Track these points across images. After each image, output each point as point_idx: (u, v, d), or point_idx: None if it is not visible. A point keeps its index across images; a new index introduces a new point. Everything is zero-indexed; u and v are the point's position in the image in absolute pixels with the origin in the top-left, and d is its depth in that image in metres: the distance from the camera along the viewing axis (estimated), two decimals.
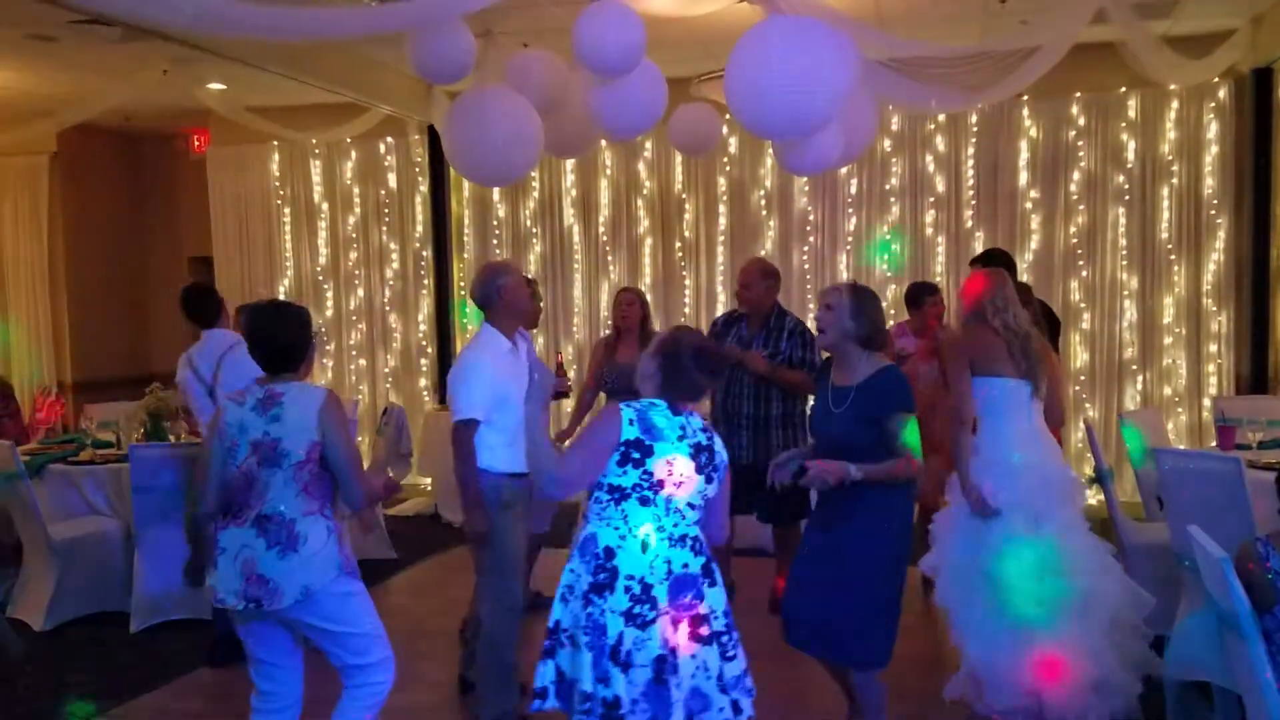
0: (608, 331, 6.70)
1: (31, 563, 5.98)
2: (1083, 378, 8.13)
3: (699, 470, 3.06)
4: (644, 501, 3.01)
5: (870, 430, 3.68)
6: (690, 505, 3.07)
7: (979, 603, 4.17)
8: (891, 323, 6.45)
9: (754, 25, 4.45)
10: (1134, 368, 8.08)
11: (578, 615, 3.01)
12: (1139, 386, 8.07)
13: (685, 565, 3.03)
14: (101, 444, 6.54)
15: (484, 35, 6.20)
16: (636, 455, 3.00)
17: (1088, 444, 6.02)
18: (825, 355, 4.14)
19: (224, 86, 8.07)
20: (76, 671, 5.16)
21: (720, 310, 8.65)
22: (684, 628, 2.98)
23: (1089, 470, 6.64)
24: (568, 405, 6.99)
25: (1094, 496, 6.67)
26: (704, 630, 3.02)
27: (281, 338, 3.36)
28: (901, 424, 3.69)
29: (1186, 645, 3.85)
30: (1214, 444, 5.84)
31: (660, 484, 3.01)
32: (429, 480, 8.78)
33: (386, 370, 9.54)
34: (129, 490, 5.67)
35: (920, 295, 6.23)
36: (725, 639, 3.08)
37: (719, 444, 3.17)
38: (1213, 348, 7.94)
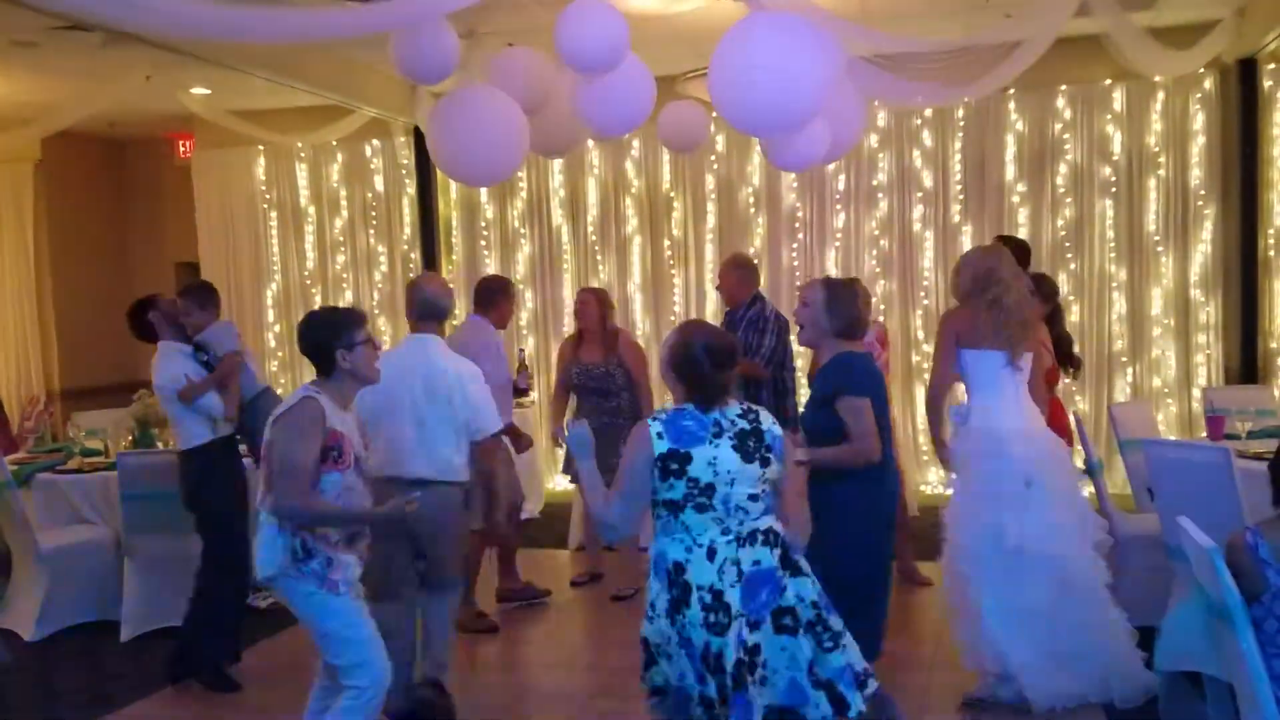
0: (569, 332, 6.78)
1: (20, 572, 5.94)
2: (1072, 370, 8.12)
3: (749, 459, 2.96)
4: (700, 509, 2.94)
5: (823, 414, 3.69)
6: (752, 498, 2.97)
7: (977, 585, 4.20)
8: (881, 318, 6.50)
9: (737, 22, 4.44)
10: (1123, 360, 8.09)
11: (665, 632, 2.98)
12: (1128, 378, 8.08)
13: (757, 562, 2.95)
14: (90, 452, 6.51)
15: (468, 35, 6.18)
16: (675, 466, 2.93)
17: (1078, 436, 6.02)
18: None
19: (208, 91, 8.04)
20: (67, 681, 5.14)
21: (710, 307, 8.68)
22: (766, 626, 2.92)
23: (1080, 463, 6.65)
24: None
25: (1084, 489, 6.68)
26: (788, 622, 2.94)
27: (301, 345, 3.54)
28: (851, 408, 3.68)
29: (1177, 635, 3.85)
30: (1204, 434, 5.85)
31: (711, 488, 2.94)
32: None
33: None
34: (118, 498, 5.64)
35: None
36: (819, 629, 2.99)
37: (767, 421, 3.06)
38: (1201, 338, 7.95)
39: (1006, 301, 4.22)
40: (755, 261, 6.39)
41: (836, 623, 3.04)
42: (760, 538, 2.98)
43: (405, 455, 4.21)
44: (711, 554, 2.94)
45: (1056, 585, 4.11)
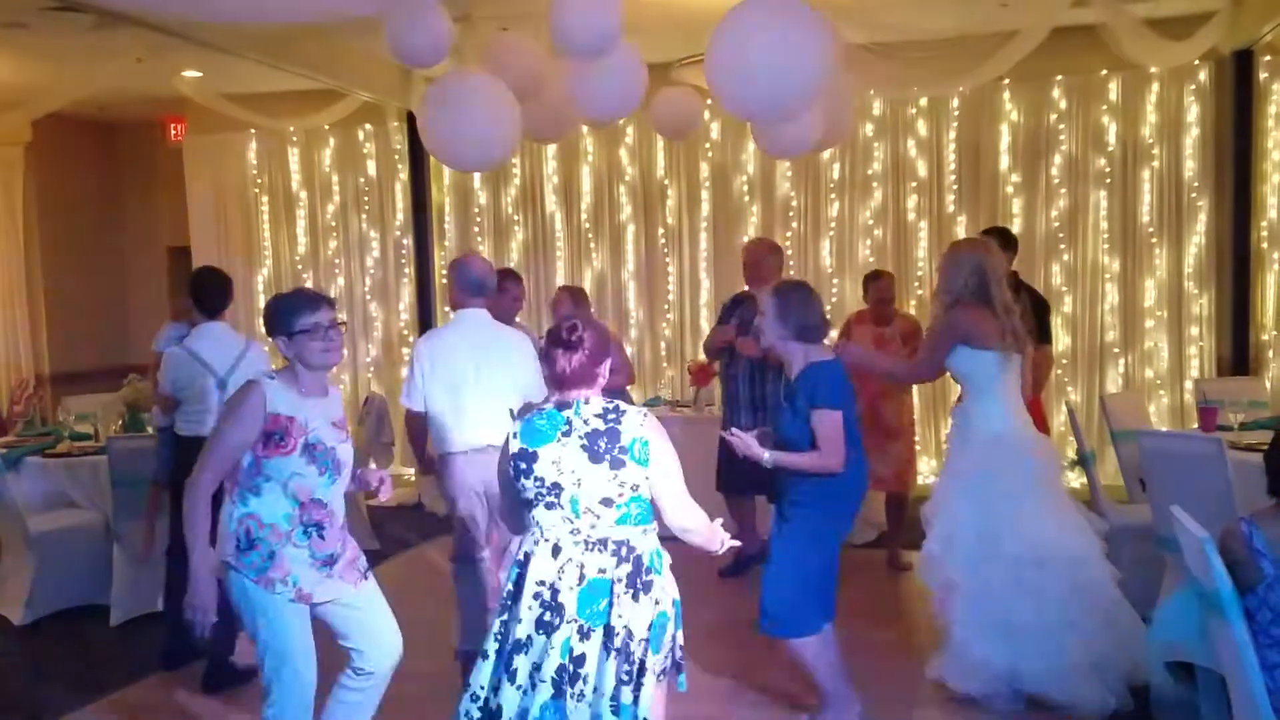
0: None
1: (10, 556, 5.93)
2: (1065, 361, 8.14)
3: (596, 459, 2.86)
4: (550, 507, 2.90)
5: (800, 423, 3.76)
6: (605, 502, 2.88)
7: (968, 586, 4.20)
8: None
9: (733, 8, 4.42)
10: (1116, 351, 8.09)
11: (495, 621, 2.98)
12: (1121, 369, 8.09)
13: (602, 570, 2.87)
14: (79, 436, 6.48)
15: (462, 20, 6.15)
16: (524, 465, 2.91)
17: (1070, 427, 6.03)
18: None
19: (200, 74, 7.98)
20: (55, 666, 5.12)
21: (704, 296, 8.67)
22: (596, 637, 2.84)
23: (1071, 453, 6.65)
24: None
25: (1076, 479, 6.69)
26: (613, 644, 2.84)
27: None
28: (823, 420, 3.76)
29: (1169, 626, 3.86)
30: (1196, 425, 5.86)
31: (558, 487, 2.88)
32: (411, 470, 8.74)
33: (368, 360, 9.48)
34: (107, 482, 5.62)
35: (867, 283, 6.40)
36: (628, 662, 2.85)
37: (631, 423, 2.91)
38: (1194, 330, 7.96)
39: (1006, 300, 4.22)
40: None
41: (650, 661, 2.89)
42: (611, 547, 2.89)
43: (483, 425, 4.38)
44: (556, 551, 2.90)
45: (1078, 593, 4.09)
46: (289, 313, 3.29)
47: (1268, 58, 7.57)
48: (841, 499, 3.96)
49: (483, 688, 2.91)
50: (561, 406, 2.96)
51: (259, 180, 9.58)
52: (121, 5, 5.12)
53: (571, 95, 5.27)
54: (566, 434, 2.91)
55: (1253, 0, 6.96)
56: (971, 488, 4.22)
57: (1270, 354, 7.76)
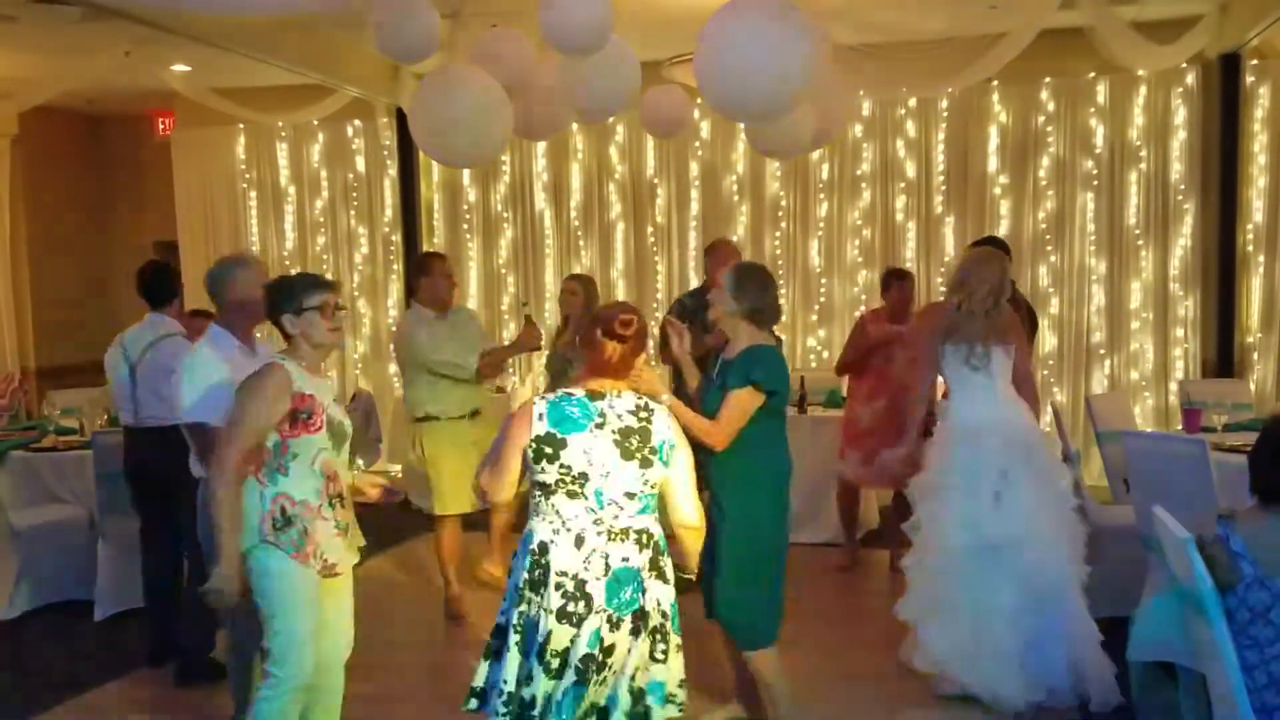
0: (550, 318, 6.75)
1: None
2: (1051, 362, 8.18)
3: (627, 457, 2.88)
4: (572, 495, 2.87)
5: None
6: (629, 495, 2.89)
7: (920, 571, 4.30)
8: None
9: (722, 6, 4.42)
10: (1102, 352, 8.13)
11: (510, 613, 2.91)
12: (1106, 371, 8.13)
13: (626, 559, 2.87)
14: (64, 430, 6.45)
15: (451, 16, 6.14)
16: (549, 450, 2.86)
17: (1055, 427, 6.06)
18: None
19: (188, 68, 7.95)
20: (39, 660, 5.10)
21: None
22: (625, 625, 2.86)
23: (1056, 454, 6.67)
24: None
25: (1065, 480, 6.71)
26: (647, 625, 2.88)
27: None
28: (738, 396, 3.63)
29: (1151, 625, 3.88)
30: (1180, 427, 5.89)
31: (584, 477, 2.86)
32: (398, 467, 8.72)
33: (356, 356, 9.46)
34: (92, 477, 5.59)
35: (888, 281, 6.27)
36: (658, 636, 2.92)
37: (660, 423, 2.95)
38: (1179, 332, 8.00)
39: (968, 306, 4.29)
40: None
41: (675, 637, 2.97)
42: (633, 535, 2.90)
43: None
44: (579, 542, 2.87)
45: (1022, 583, 4.11)
46: (300, 289, 3.34)
47: (1254, 61, 7.61)
48: (774, 478, 3.79)
49: (506, 682, 2.84)
50: (594, 396, 2.94)
51: (247, 175, 9.56)
52: None
53: (562, 92, 5.27)
54: (599, 426, 2.90)
55: (1239, 5, 7.00)
56: (932, 478, 4.31)
57: (1254, 356, 7.81)
